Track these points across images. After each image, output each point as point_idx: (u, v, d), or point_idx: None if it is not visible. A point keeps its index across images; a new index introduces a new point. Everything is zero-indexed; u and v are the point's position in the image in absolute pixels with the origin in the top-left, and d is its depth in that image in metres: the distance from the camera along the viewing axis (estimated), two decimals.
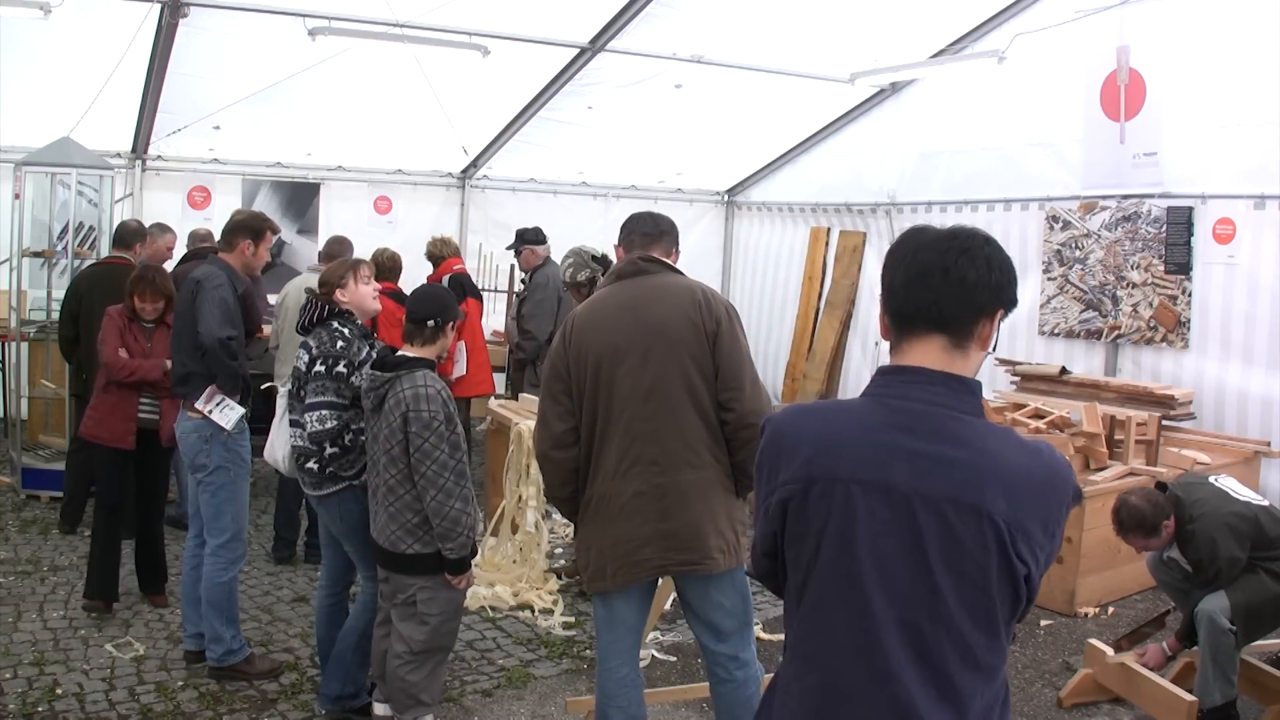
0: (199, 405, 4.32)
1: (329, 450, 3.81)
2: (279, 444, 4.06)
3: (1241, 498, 4.25)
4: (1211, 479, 4.41)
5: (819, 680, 1.68)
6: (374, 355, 3.82)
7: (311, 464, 3.87)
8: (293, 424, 3.97)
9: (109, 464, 5.03)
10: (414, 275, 7.31)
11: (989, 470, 1.62)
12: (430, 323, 3.66)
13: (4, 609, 5.00)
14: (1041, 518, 1.63)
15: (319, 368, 3.82)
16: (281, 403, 4.08)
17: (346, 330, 3.95)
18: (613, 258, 3.64)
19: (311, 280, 5.70)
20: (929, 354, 1.71)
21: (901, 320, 1.74)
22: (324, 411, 3.78)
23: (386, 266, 6.35)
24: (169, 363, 4.70)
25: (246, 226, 4.51)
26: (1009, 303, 1.73)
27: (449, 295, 3.90)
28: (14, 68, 6.96)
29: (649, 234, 3.36)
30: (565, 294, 7.35)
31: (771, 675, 1.90)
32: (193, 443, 4.36)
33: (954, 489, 1.61)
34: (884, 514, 1.63)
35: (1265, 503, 4.34)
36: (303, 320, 3.99)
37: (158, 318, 5.02)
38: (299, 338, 5.51)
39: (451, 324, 3.76)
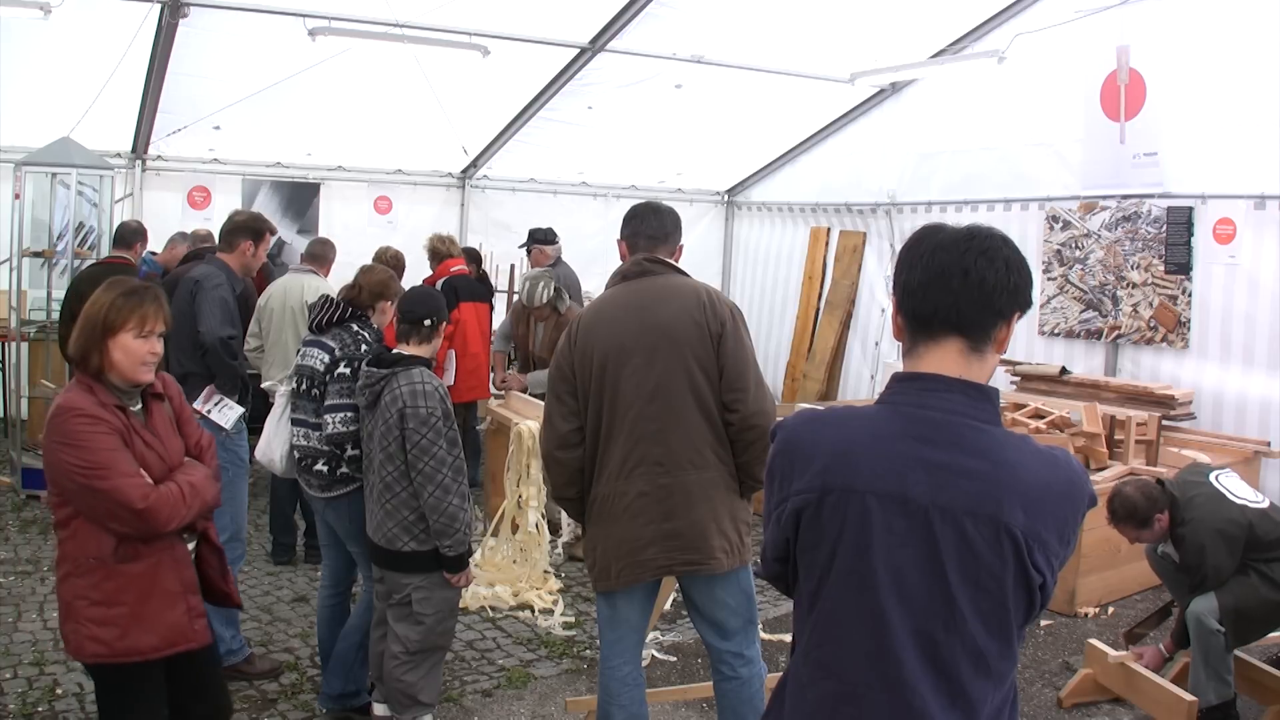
0: (197, 405, 4.32)
1: (350, 452, 3.82)
2: (276, 443, 4.05)
3: (1238, 500, 4.21)
4: (1212, 476, 4.37)
5: (833, 688, 1.68)
6: None
7: (321, 465, 3.87)
8: (297, 423, 3.97)
9: (135, 696, 2.78)
10: (414, 276, 7.31)
11: (1007, 482, 1.61)
12: (427, 322, 3.69)
13: (4, 609, 5.00)
14: (1058, 527, 1.63)
15: (343, 369, 3.82)
16: (280, 401, 4.07)
17: (367, 334, 3.97)
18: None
19: (297, 281, 5.71)
20: (946, 359, 1.69)
21: (918, 322, 1.71)
22: (348, 414, 3.78)
23: (393, 265, 6.36)
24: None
25: (247, 228, 4.53)
26: (1025, 305, 1.71)
27: (441, 296, 3.94)
28: (14, 68, 6.96)
29: (654, 236, 3.35)
30: (573, 293, 7.37)
31: (774, 675, 1.89)
32: None
33: (972, 501, 1.60)
34: (900, 525, 1.62)
35: (1265, 504, 4.29)
36: (319, 319, 3.99)
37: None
38: (286, 338, 5.54)
39: (443, 324, 3.80)
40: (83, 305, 5.88)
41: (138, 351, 2.71)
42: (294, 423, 3.97)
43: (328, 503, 3.92)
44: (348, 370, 3.82)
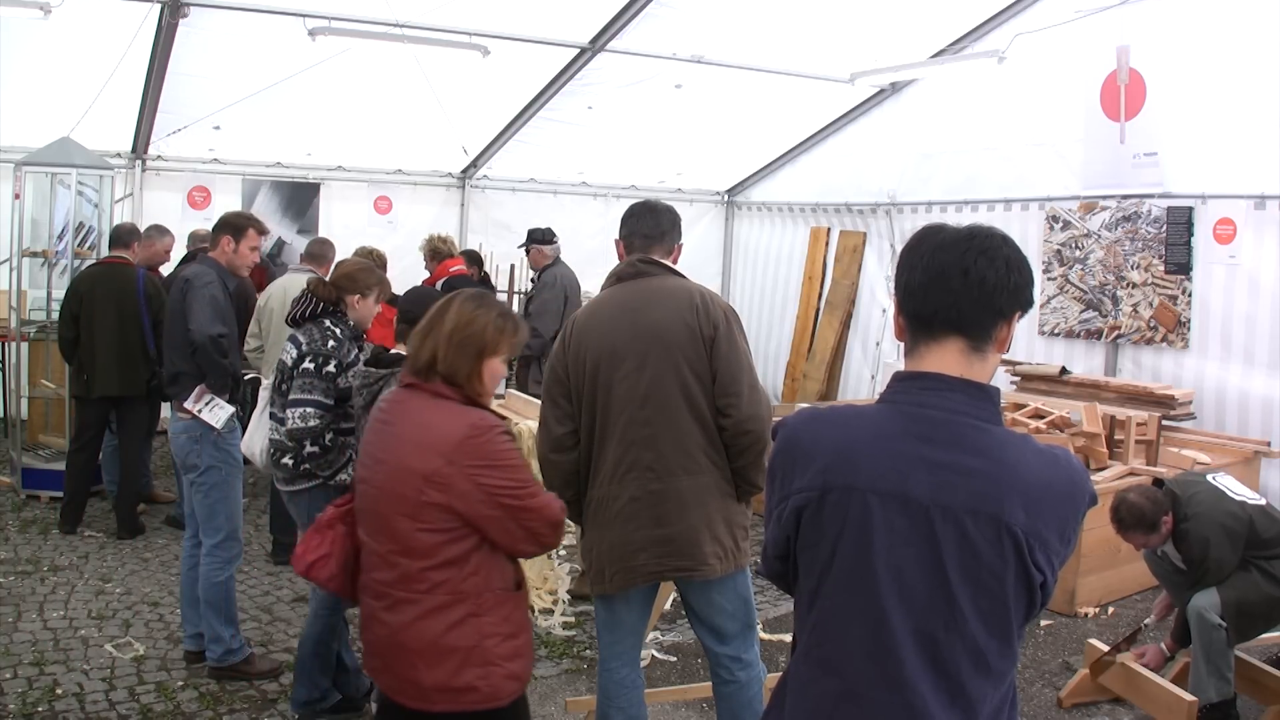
0: (188, 405, 4.31)
1: (309, 449, 3.78)
2: (257, 438, 4.06)
3: (1237, 497, 4.24)
4: (1209, 477, 4.40)
5: (834, 686, 1.68)
6: (362, 357, 3.80)
7: (287, 459, 3.85)
8: (273, 417, 3.96)
9: None
10: (414, 276, 7.31)
11: (1008, 481, 1.61)
12: None
13: (4, 609, 5.00)
14: (1059, 526, 1.63)
15: (308, 364, 3.78)
16: (264, 395, 4.07)
17: (338, 330, 3.92)
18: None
19: (296, 280, 5.70)
20: (947, 358, 1.69)
21: (919, 322, 1.71)
22: (308, 409, 3.73)
23: (378, 264, 6.35)
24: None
25: (227, 224, 4.53)
26: (1026, 304, 1.71)
27: (440, 296, 3.90)
28: (14, 68, 6.96)
29: (649, 236, 3.33)
30: (571, 293, 7.36)
31: (774, 676, 1.89)
32: (183, 443, 4.35)
33: (973, 500, 1.60)
34: (901, 525, 1.62)
35: (1262, 502, 4.33)
36: (294, 313, 3.96)
37: None
38: (285, 338, 5.53)
39: None
40: (82, 305, 5.73)
41: (500, 375, 2.62)
42: (270, 416, 3.97)
43: (291, 496, 3.92)
44: (312, 365, 3.77)
